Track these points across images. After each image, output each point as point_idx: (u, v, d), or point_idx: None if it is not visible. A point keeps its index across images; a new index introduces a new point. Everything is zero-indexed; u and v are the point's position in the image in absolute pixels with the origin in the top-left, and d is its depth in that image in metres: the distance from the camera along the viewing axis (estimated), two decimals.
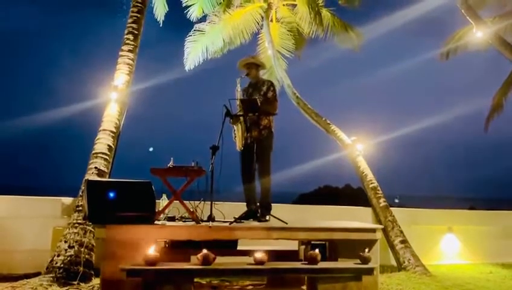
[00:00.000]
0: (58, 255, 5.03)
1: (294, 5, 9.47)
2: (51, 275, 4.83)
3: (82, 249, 5.07)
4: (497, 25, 8.71)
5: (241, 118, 4.76)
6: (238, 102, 4.80)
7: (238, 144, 4.76)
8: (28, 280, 4.83)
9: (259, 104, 4.60)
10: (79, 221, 5.26)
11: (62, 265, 4.92)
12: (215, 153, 4.26)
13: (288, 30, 9.81)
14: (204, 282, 5.01)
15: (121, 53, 6.36)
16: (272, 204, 4.82)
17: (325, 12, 9.11)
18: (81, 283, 4.83)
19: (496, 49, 8.25)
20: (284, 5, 9.62)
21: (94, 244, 5.25)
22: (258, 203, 4.82)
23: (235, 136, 4.79)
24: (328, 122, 7.89)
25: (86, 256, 5.08)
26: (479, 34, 8.22)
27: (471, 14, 8.16)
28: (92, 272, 5.05)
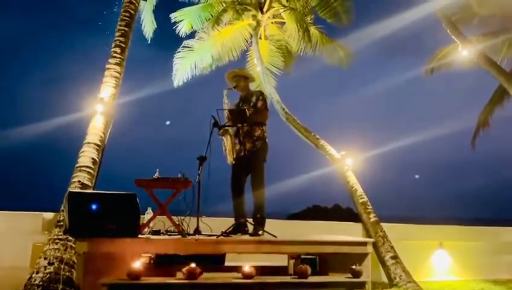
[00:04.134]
0: (37, 273, 4.83)
1: (283, 23, 9.57)
2: None
3: (62, 266, 4.87)
4: (482, 43, 8.85)
5: (230, 130, 4.67)
6: (225, 113, 4.73)
7: (229, 158, 4.65)
8: None
9: (247, 114, 4.52)
10: (60, 236, 5.08)
11: (41, 283, 4.72)
12: (203, 164, 4.14)
13: (277, 47, 9.89)
14: None
15: (107, 66, 6.30)
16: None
17: (314, 30, 9.21)
18: None
19: (481, 67, 8.37)
20: (272, 22, 9.70)
21: (75, 261, 5.05)
22: (247, 218, 4.68)
23: (225, 149, 4.69)
24: (317, 137, 7.85)
25: (67, 273, 4.88)
26: (464, 53, 8.35)
27: (456, 32, 8.32)
28: None
